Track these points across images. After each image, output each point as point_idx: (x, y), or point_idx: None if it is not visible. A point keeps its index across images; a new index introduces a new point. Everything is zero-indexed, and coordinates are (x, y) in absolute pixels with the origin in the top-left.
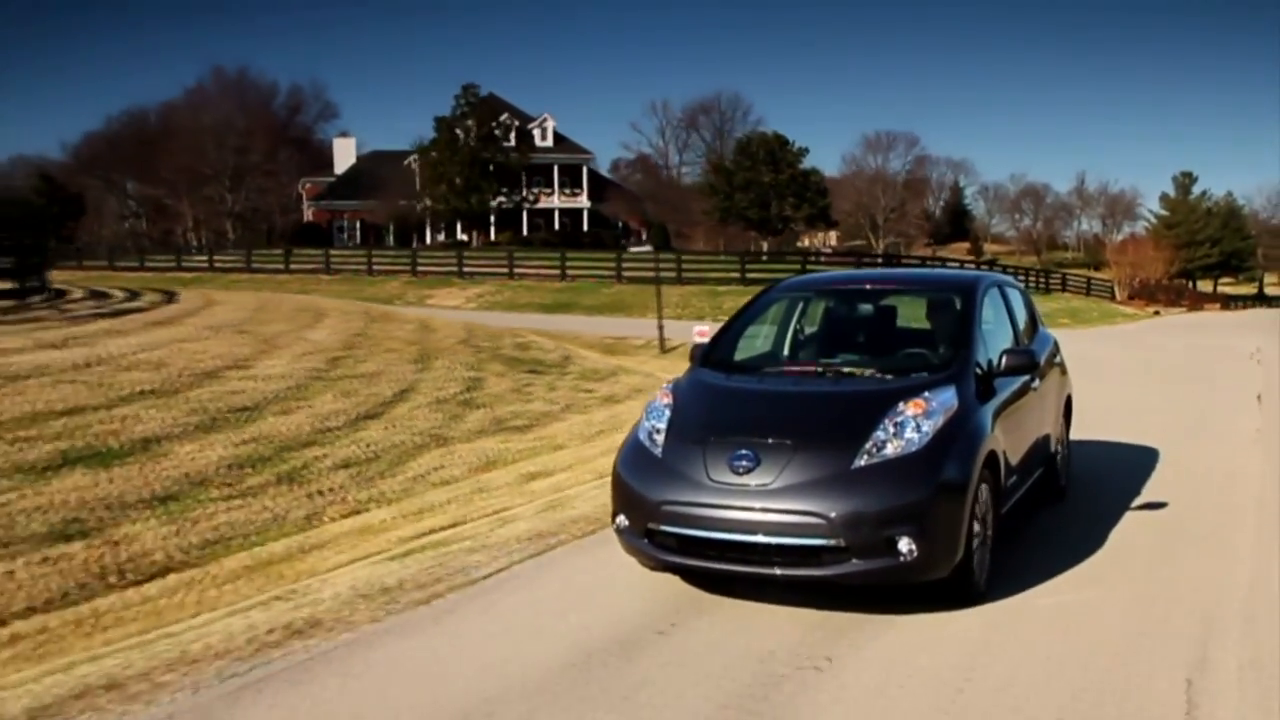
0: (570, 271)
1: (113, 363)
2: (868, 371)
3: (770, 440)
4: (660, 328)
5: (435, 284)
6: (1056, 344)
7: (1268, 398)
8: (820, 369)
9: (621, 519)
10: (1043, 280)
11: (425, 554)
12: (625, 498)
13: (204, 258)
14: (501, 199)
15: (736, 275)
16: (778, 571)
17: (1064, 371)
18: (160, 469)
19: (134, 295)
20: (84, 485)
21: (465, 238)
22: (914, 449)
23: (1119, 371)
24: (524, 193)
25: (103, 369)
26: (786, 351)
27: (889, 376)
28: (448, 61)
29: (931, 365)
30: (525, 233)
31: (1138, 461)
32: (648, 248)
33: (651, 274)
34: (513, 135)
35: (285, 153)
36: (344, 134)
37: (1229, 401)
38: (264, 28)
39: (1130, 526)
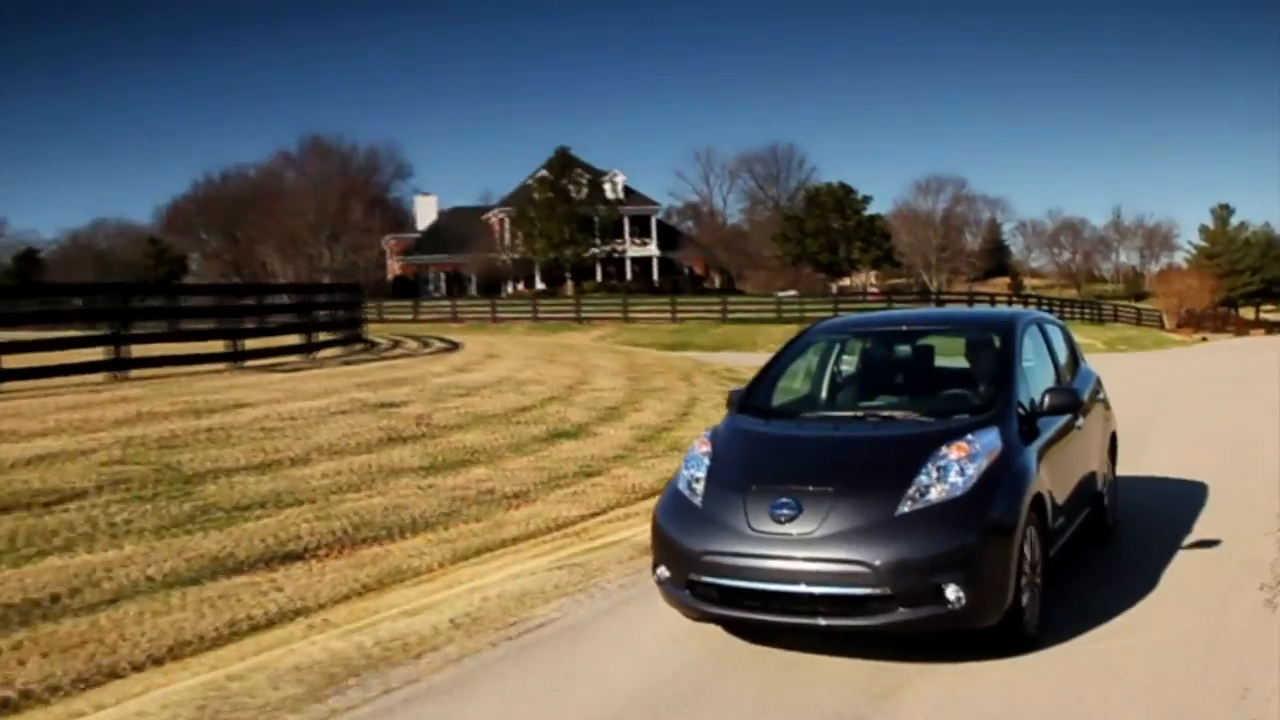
0: (679, 314)
1: (508, 381)
2: (908, 414)
3: (812, 487)
4: None
5: (558, 328)
6: (1099, 380)
7: None
8: (860, 413)
9: (662, 570)
10: (1096, 312)
11: None
12: (665, 548)
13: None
14: (595, 250)
15: (830, 312)
16: (822, 622)
17: (1107, 407)
18: (603, 441)
19: (427, 342)
20: (576, 448)
21: (543, 286)
22: (958, 493)
23: (1192, 378)
24: (609, 244)
25: (508, 383)
26: (825, 395)
27: (930, 419)
28: (510, 119)
29: (973, 406)
30: (599, 279)
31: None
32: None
33: (751, 315)
34: (585, 190)
35: (369, 210)
36: (425, 193)
37: None
38: (339, 94)
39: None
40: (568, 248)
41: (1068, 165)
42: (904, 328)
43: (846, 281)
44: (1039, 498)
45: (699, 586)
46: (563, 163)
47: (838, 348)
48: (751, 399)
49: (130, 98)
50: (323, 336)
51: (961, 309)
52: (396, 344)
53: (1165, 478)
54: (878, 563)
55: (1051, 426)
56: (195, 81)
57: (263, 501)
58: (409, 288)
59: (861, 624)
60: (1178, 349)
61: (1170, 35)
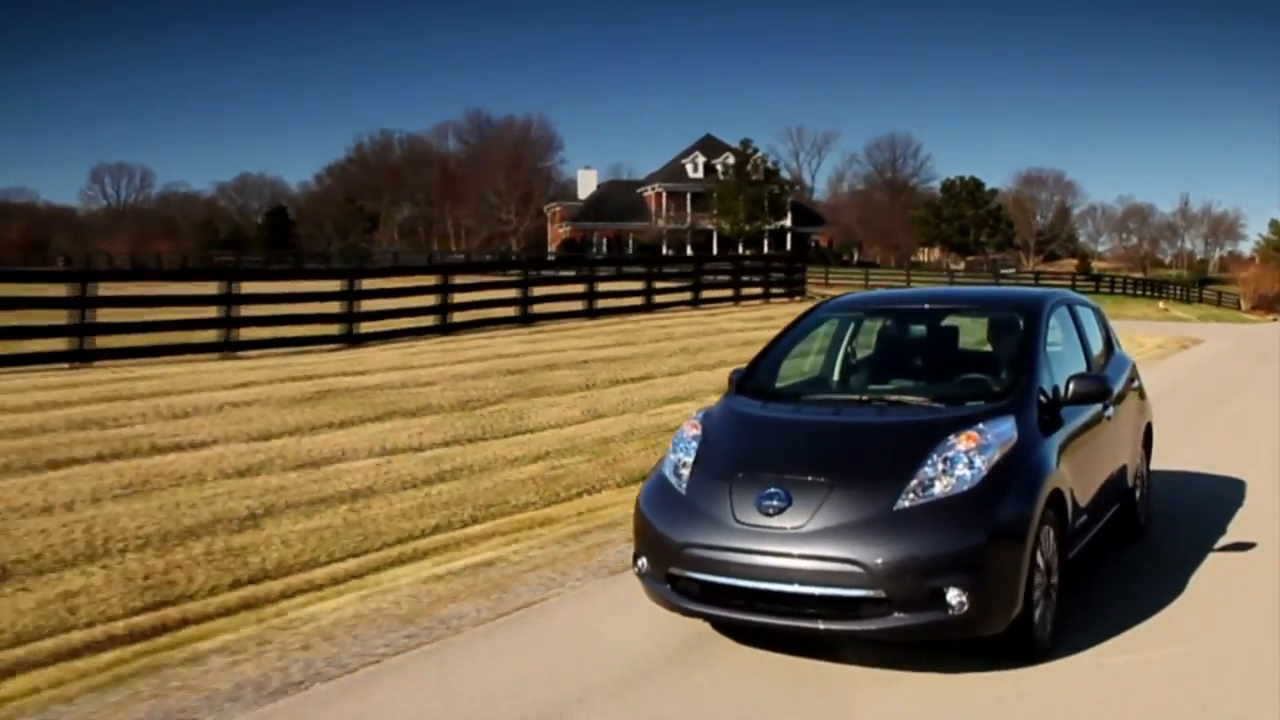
0: (871, 282)
1: None
2: (917, 400)
3: (804, 477)
4: None
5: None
6: (1134, 367)
7: None
8: (865, 397)
9: (642, 562)
10: (1185, 291)
11: None
12: (646, 538)
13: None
14: (770, 225)
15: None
16: (815, 625)
17: (1143, 396)
18: None
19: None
20: None
21: (689, 253)
22: (965, 488)
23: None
24: (780, 220)
25: None
26: (833, 377)
27: (941, 405)
28: (640, 98)
29: (989, 393)
30: (742, 251)
31: None
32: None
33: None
34: (731, 169)
35: (532, 179)
36: (588, 167)
37: None
38: (498, 70)
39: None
40: (750, 223)
41: (1139, 152)
42: (925, 306)
43: (923, 258)
44: (1057, 495)
45: (680, 581)
46: (749, 153)
47: (851, 326)
48: (750, 379)
49: (278, 61)
50: (775, 291)
51: (989, 287)
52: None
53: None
54: (871, 562)
55: (1077, 417)
56: (342, 50)
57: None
58: (575, 250)
59: (853, 628)
60: (1255, 325)
61: (1242, 30)
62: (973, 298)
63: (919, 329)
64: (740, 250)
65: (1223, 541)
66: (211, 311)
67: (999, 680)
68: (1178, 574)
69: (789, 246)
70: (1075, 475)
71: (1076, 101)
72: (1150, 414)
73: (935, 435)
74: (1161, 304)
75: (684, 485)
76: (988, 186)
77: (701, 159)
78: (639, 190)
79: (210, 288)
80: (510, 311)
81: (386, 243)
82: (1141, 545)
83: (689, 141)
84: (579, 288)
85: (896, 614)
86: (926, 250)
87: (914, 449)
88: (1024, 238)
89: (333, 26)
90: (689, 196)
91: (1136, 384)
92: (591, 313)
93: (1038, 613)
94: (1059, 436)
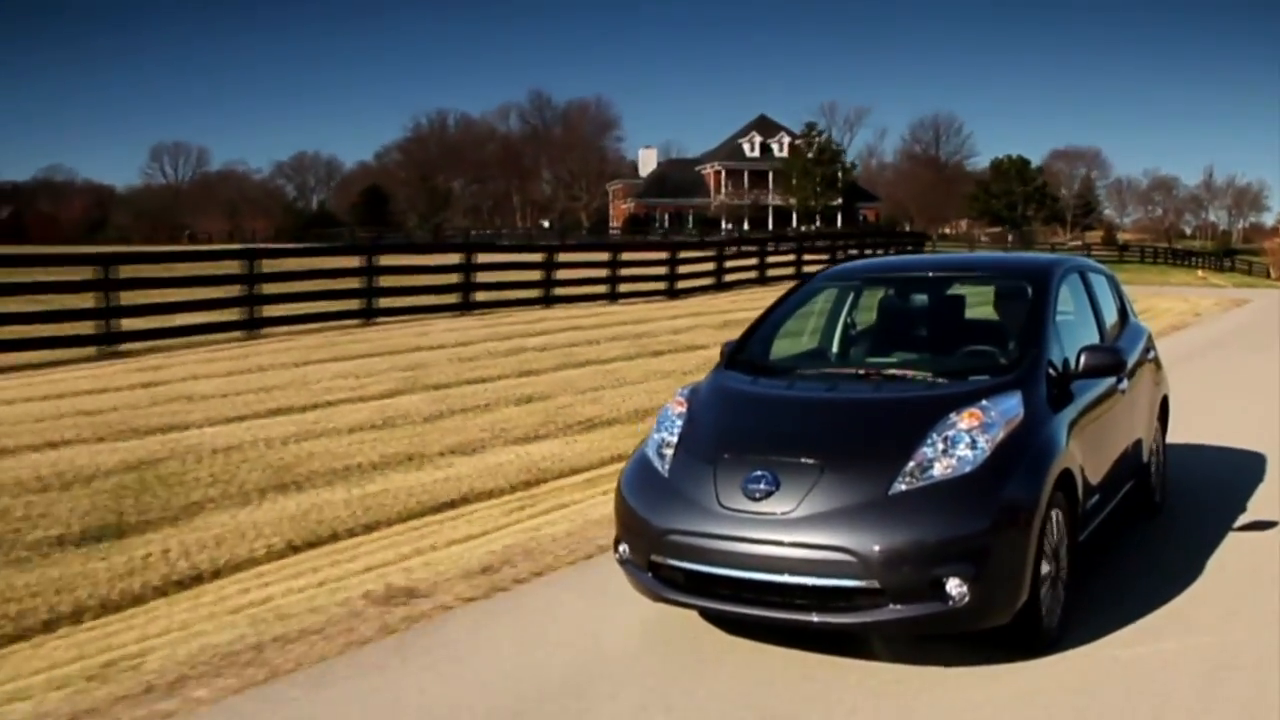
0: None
1: None
2: (918, 374)
3: (793, 459)
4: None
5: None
6: (1150, 337)
7: None
8: (862, 371)
9: (623, 548)
10: (1218, 261)
11: None
12: (627, 523)
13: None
14: (833, 202)
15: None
16: (812, 619)
17: (1159, 367)
18: None
19: None
20: None
21: (746, 228)
22: (967, 469)
23: None
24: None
25: None
26: (832, 350)
27: (942, 380)
28: (703, 77)
29: (994, 366)
30: (795, 226)
31: None
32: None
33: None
34: (786, 148)
35: (601, 158)
36: (648, 146)
37: None
38: (549, 52)
39: None
40: (818, 199)
41: (1164, 126)
42: (928, 274)
43: (949, 230)
44: (1067, 475)
45: (662, 569)
46: (815, 135)
47: (850, 296)
48: (742, 353)
49: (335, 41)
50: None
51: (998, 254)
52: None
53: None
54: (865, 550)
55: (1088, 391)
56: (397, 31)
57: None
58: (641, 225)
59: (846, 621)
60: None
61: (1269, 2)
62: (979, 265)
63: (921, 298)
64: (795, 225)
65: (1243, 520)
66: (454, 278)
67: (999, 676)
68: (1196, 555)
69: (839, 222)
70: (1086, 454)
71: (1103, 76)
72: (1167, 386)
73: (935, 413)
74: (1200, 273)
75: (667, 467)
76: (1034, 164)
77: (758, 139)
78: (697, 168)
79: (453, 258)
80: (661, 285)
81: (457, 220)
82: (1159, 522)
83: (737, 120)
84: (710, 265)
85: (893, 605)
86: (970, 224)
87: (912, 428)
88: (1061, 210)
89: (388, 7)
90: (746, 174)
91: (1152, 354)
92: (722, 285)
93: (1045, 602)
94: (1069, 412)
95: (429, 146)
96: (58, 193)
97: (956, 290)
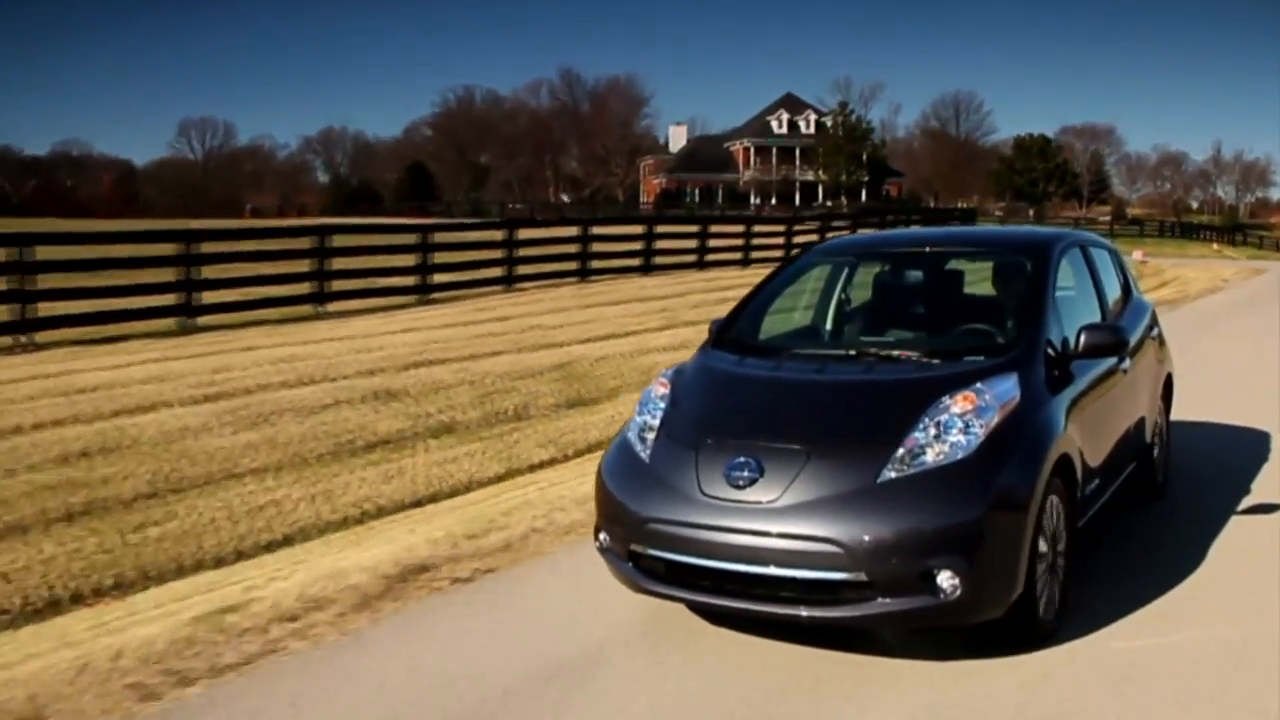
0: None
1: None
2: (911, 355)
3: (777, 444)
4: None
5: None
6: (1154, 314)
7: None
8: (853, 352)
9: (604, 536)
10: (1232, 235)
11: None
12: (607, 510)
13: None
14: (861, 177)
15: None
16: (801, 613)
17: (1162, 344)
18: None
19: None
20: None
21: (773, 201)
22: (960, 456)
23: None
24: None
25: None
26: (825, 329)
27: (936, 362)
28: (730, 53)
29: (990, 347)
30: (821, 201)
31: None
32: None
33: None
34: (812, 125)
35: (622, 135)
36: (679, 122)
37: None
38: (581, 27)
39: None
40: (849, 175)
41: (1172, 101)
42: (925, 249)
43: (961, 205)
44: (1065, 460)
45: (643, 559)
46: (846, 115)
47: (845, 272)
48: (730, 331)
49: (364, 19)
50: None
51: (997, 228)
52: None
53: None
54: (851, 541)
55: (1089, 371)
56: (423, 6)
57: None
58: (672, 200)
59: (833, 615)
60: None
61: None
62: (977, 239)
63: (916, 275)
64: (821, 200)
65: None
66: (637, 245)
67: (991, 670)
68: (1198, 541)
69: (863, 197)
70: (1086, 437)
71: (1113, 53)
72: (1171, 364)
73: (928, 396)
74: (1215, 245)
75: (648, 452)
76: (1055, 143)
77: (785, 116)
78: (725, 145)
79: (571, 230)
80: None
81: (492, 195)
82: (1161, 506)
83: (756, 95)
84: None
85: (881, 599)
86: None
87: (903, 412)
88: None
89: None
90: (774, 151)
91: (1156, 331)
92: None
93: (1042, 594)
94: (1068, 394)
95: (460, 121)
96: (76, 167)
97: (954, 266)
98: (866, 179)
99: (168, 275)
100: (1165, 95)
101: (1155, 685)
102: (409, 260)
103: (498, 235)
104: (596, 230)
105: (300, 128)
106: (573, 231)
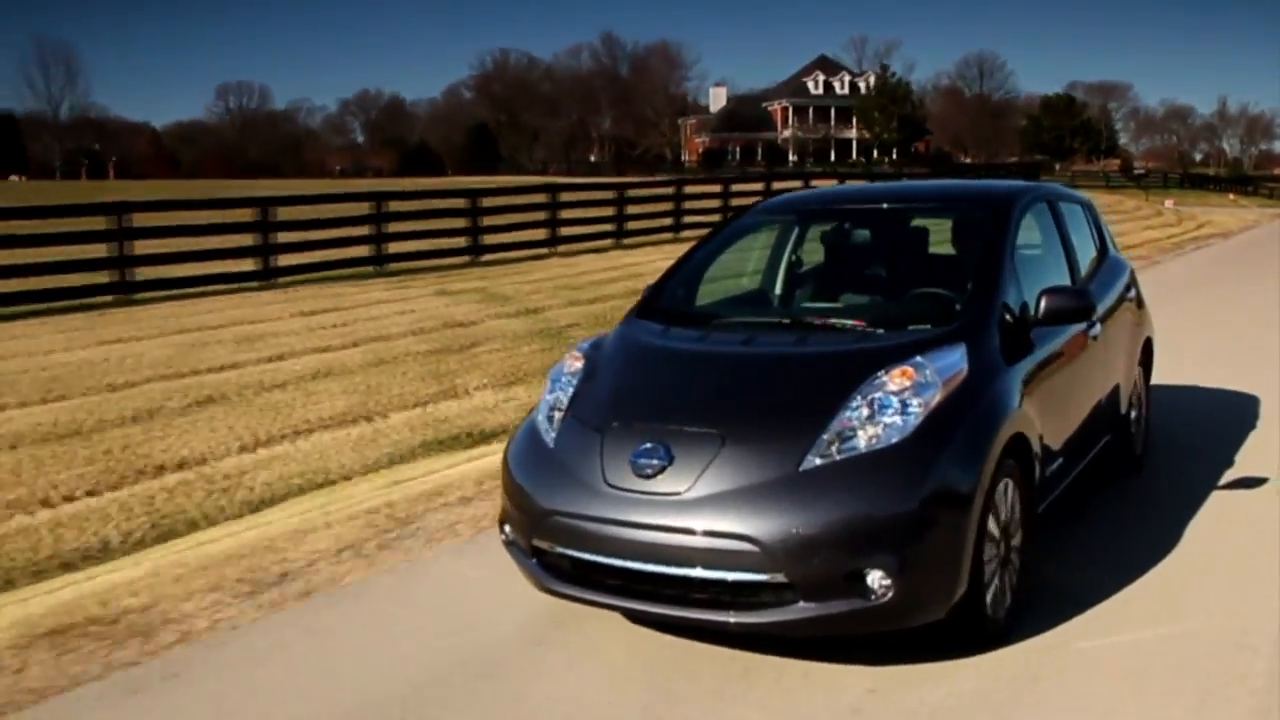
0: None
1: None
2: (852, 323)
3: (689, 428)
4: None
5: None
6: (1133, 273)
7: None
8: (787, 320)
9: (508, 529)
10: (1242, 187)
11: None
12: (510, 500)
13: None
14: (901, 136)
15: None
16: (729, 619)
17: (1140, 305)
18: None
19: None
20: None
21: (811, 160)
22: (895, 439)
23: None
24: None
25: None
26: (778, 292)
27: (880, 331)
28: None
29: (938, 313)
30: (858, 157)
31: None
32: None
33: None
34: (846, 86)
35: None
36: (719, 83)
37: None
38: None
39: None
40: (889, 133)
41: (1178, 55)
42: (881, 205)
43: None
44: (1020, 440)
45: (548, 556)
46: (889, 77)
47: (794, 232)
48: (658, 298)
49: None
50: None
51: (961, 181)
52: None
53: None
54: (768, 538)
55: (1053, 339)
56: None
57: None
58: (715, 159)
59: (749, 621)
60: None
61: None
62: (935, 194)
63: (864, 234)
64: (856, 155)
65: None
66: (668, 205)
67: (933, 677)
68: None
69: (894, 155)
70: (1047, 412)
71: (1121, 7)
72: (1150, 328)
73: (861, 371)
74: (1231, 196)
75: (553, 435)
76: (1081, 100)
77: (821, 77)
78: (763, 105)
79: (668, 189)
80: None
81: (540, 155)
82: (1137, 481)
83: (793, 55)
84: None
85: (803, 603)
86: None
87: (833, 389)
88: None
89: None
90: (810, 110)
91: (1133, 293)
92: None
93: (990, 590)
94: (1025, 365)
95: (501, 83)
96: (100, 131)
97: (913, 224)
98: (903, 137)
99: (362, 230)
100: (1172, 50)
101: (1127, 686)
102: (607, 211)
103: (609, 195)
104: (689, 189)
105: (335, 91)
106: (669, 190)
